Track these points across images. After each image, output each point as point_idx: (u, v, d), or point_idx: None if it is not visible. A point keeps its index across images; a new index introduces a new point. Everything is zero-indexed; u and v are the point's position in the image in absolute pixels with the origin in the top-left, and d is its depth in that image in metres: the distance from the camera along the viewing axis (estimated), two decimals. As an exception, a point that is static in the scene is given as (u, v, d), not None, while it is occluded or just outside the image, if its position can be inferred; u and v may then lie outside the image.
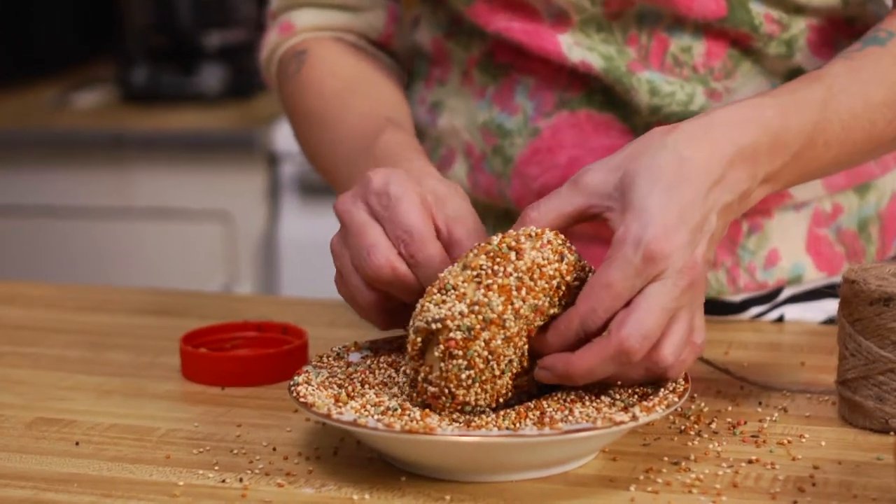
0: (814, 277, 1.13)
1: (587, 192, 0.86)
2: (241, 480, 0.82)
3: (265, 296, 2.36)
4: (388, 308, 0.91)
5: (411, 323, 0.84)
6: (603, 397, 0.85)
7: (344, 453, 0.86)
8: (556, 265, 0.84)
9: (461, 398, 0.83)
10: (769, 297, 1.13)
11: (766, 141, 0.88)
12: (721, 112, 0.89)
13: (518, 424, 0.82)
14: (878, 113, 0.96)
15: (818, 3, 1.06)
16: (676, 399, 0.83)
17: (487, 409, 0.84)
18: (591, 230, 0.95)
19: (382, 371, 0.90)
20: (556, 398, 0.85)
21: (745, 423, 0.90)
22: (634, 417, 0.79)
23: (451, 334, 0.81)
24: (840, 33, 1.08)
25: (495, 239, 0.84)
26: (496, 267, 0.82)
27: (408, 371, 0.85)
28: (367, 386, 0.88)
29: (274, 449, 0.87)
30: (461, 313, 0.81)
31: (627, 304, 0.82)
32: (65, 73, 2.99)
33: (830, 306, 1.14)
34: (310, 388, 0.86)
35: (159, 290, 1.33)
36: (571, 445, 0.80)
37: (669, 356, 0.83)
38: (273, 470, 0.84)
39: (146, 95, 2.70)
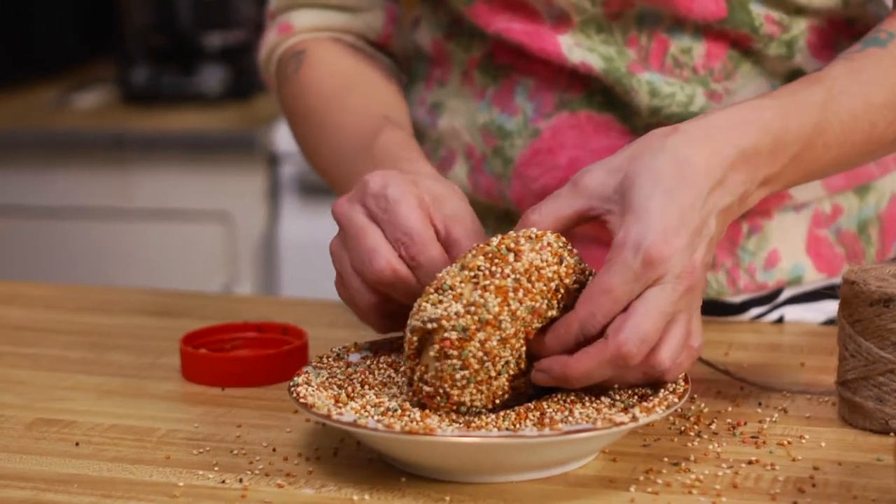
0: (814, 278, 1.13)
1: (587, 194, 0.86)
2: (240, 481, 0.82)
3: (265, 296, 2.36)
4: (387, 312, 0.91)
5: (408, 322, 0.84)
6: (603, 398, 0.85)
7: (344, 454, 0.86)
8: (555, 268, 0.83)
9: (456, 398, 0.83)
10: (769, 298, 1.13)
11: (767, 143, 0.88)
12: (721, 114, 0.89)
13: (518, 425, 0.82)
14: (879, 114, 0.96)
15: (818, 4, 1.06)
16: (676, 400, 0.83)
17: (486, 410, 0.84)
18: (591, 232, 0.95)
19: (382, 371, 0.90)
20: (556, 399, 0.85)
21: (745, 423, 0.90)
22: (634, 418, 0.79)
23: (447, 334, 0.81)
24: (840, 34, 1.08)
25: (495, 240, 0.84)
26: (494, 268, 0.82)
27: (405, 370, 0.86)
28: (366, 387, 0.88)
29: (274, 449, 0.87)
30: (457, 313, 0.81)
31: (626, 307, 0.82)
32: (65, 73, 2.99)
33: (830, 307, 1.14)
34: (310, 388, 0.86)
35: (159, 290, 1.33)
36: (571, 446, 0.80)
37: (667, 360, 0.83)
38: (273, 470, 0.84)
39: (146, 96, 2.70)
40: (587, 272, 0.85)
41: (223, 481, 0.82)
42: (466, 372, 0.82)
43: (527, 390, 0.86)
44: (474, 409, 0.84)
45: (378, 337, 0.95)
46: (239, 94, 2.71)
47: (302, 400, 0.83)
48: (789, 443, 0.87)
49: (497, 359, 0.83)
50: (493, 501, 0.79)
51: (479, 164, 1.12)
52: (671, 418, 0.91)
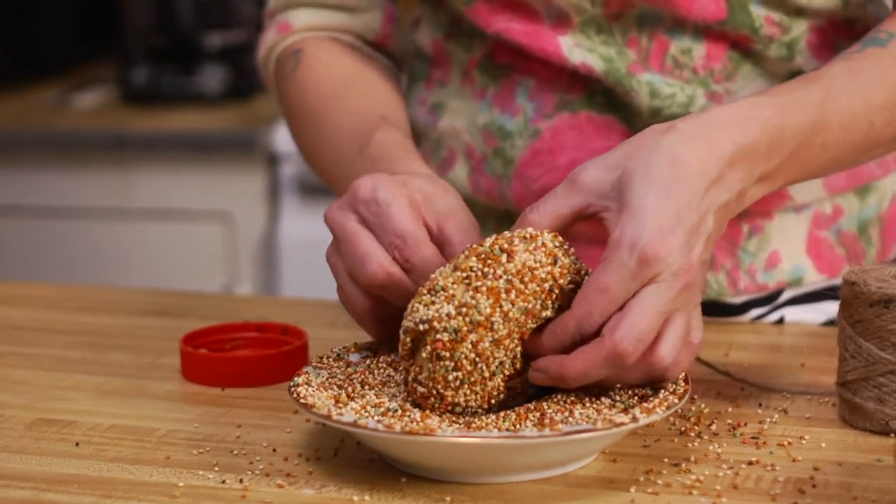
0: (814, 279, 1.13)
1: (584, 191, 0.86)
2: (241, 481, 0.82)
3: (265, 296, 2.36)
4: (383, 316, 0.91)
5: (402, 323, 0.84)
6: (603, 399, 0.85)
7: (344, 454, 0.86)
8: (549, 268, 0.83)
9: (450, 399, 0.83)
10: (769, 298, 1.13)
11: (765, 140, 0.88)
12: (719, 111, 0.89)
13: (518, 426, 0.82)
14: (877, 114, 0.95)
15: (819, 5, 1.06)
16: (677, 400, 0.83)
17: (482, 411, 0.84)
18: (589, 231, 0.95)
19: (382, 371, 0.90)
20: (556, 399, 0.85)
21: (746, 424, 0.90)
22: (634, 419, 0.79)
23: (438, 336, 0.81)
24: (840, 35, 1.08)
25: (489, 240, 0.84)
26: (486, 269, 0.82)
27: (401, 370, 0.86)
28: (366, 387, 0.88)
29: (274, 450, 0.87)
30: (448, 315, 0.81)
31: (623, 306, 0.82)
32: (65, 73, 2.99)
33: (831, 308, 1.14)
34: (310, 388, 0.86)
35: (159, 290, 1.33)
36: (571, 447, 0.80)
37: (666, 357, 0.83)
38: (273, 471, 0.84)
39: (146, 96, 2.70)
40: (583, 272, 0.85)
41: (223, 481, 0.82)
42: (459, 373, 0.82)
43: (524, 390, 0.86)
44: (469, 409, 0.84)
45: (378, 337, 0.95)
46: (239, 94, 2.71)
47: (302, 400, 0.83)
48: (789, 443, 0.87)
49: (490, 360, 0.82)
50: (493, 502, 0.79)
51: (480, 164, 1.12)
52: (671, 419, 0.91)
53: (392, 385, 0.89)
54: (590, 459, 0.84)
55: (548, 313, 0.84)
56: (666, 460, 0.84)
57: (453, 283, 0.82)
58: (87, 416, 0.94)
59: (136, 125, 2.58)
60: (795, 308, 1.14)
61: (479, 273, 0.82)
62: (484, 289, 0.82)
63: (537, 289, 0.83)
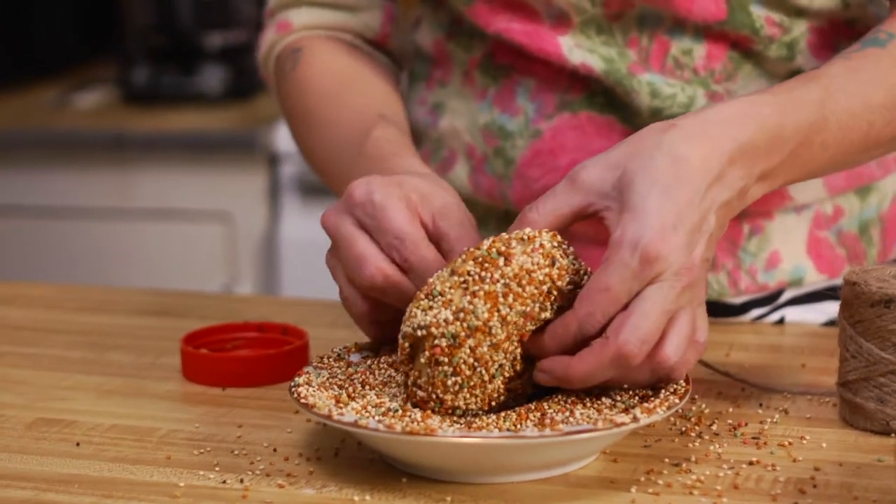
0: (815, 280, 1.13)
1: (585, 191, 0.85)
2: (241, 481, 0.82)
3: (266, 296, 2.36)
4: (381, 319, 0.91)
5: (401, 328, 0.84)
6: (604, 399, 0.85)
7: (345, 454, 0.86)
8: (547, 270, 0.83)
9: (449, 403, 0.83)
10: (770, 299, 1.13)
11: (764, 138, 0.88)
12: (718, 108, 0.89)
13: (519, 426, 0.82)
14: (877, 114, 0.95)
15: (819, 6, 1.06)
16: (677, 401, 0.83)
17: (485, 412, 0.84)
18: (590, 231, 0.95)
19: (383, 371, 0.90)
20: (557, 399, 0.85)
21: (746, 424, 0.90)
22: (635, 419, 0.79)
23: (436, 341, 0.81)
24: (841, 36, 1.08)
25: (486, 243, 0.84)
26: (483, 273, 0.82)
27: (401, 373, 0.86)
28: (367, 387, 0.88)
29: (275, 450, 0.87)
30: (446, 320, 0.81)
31: (626, 306, 0.82)
32: (65, 73, 2.99)
33: (831, 308, 1.14)
34: (310, 388, 0.86)
35: (160, 290, 1.33)
36: (572, 447, 0.80)
37: (672, 356, 0.82)
38: (274, 471, 0.84)
39: (147, 96, 2.70)
40: (582, 272, 0.85)
41: (224, 481, 0.82)
42: (458, 378, 0.82)
43: (524, 391, 0.86)
44: (470, 412, 0.84)
45: (378, 337, 0.95)
46: (239, 94, 2.71)
47: (303, 400, 0.83)
48: (790, 444, 0.87)
49: (489, 364, 0.82)
50: (493, 502, 0.79)
51: (481, 164, 1.12)
52: (672, 419, 0.91)
53: (393, 385, 0.89)
54: (590, 459, 0.84)
55: (546, 315, 0.84)
56: (667, 460, 0.84)
57: (451, 288, 0.82)
58: (87, 415, 0.94)
59: (136, 125, 2.58)
60: (796, 308, 1.14)
61: (477, 277, 0.82)
62: (481, 293, 0.81)
63: (535, 291, 0.83)
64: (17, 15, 2.90)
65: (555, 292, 0.83)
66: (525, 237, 0.84)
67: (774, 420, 0.91)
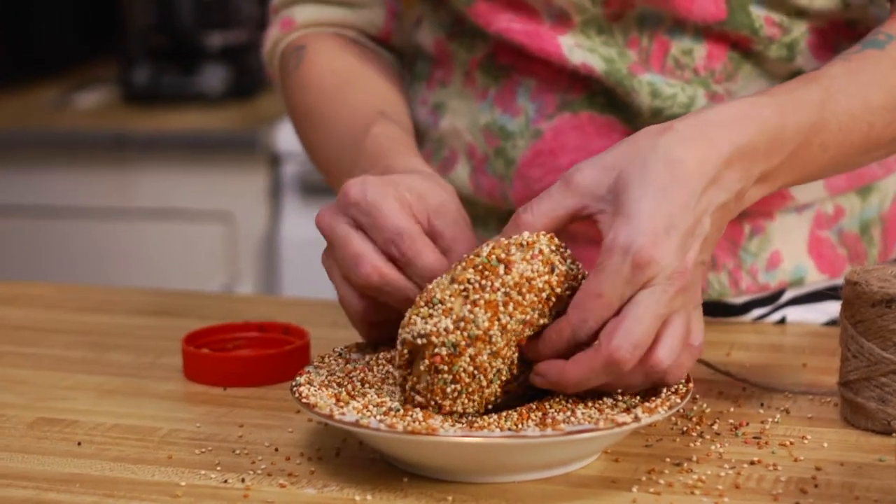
0: (816, 279, 1.13)
1: (580, 193, 0.85)
2: (243, 481, 0.82)
3: (266, 296, 2.36)
4: (375, 319, 0.91)
5: (399, 333, 0.84)
6: (605, 398, 0.85)
7: (346, 454, 0.86)
8: (546, 277, 0.83)
9: (448, 408, 0.83)
10: (771, 298, 1.13)
11: (763, 140, 0.88)
12: (717, 110, 0.88)
13: (520, 425, 0.82)
14: (877, 115, 0.95)
15: (819, 7, 1.06)
16: (679, 400, 0.83)
17: (481, 414, 0.84)
18: (590, 232, 0.95)
19: (381, 367, 0.90)
20: (558, 399, 0.85)
21: (748, 424, 0.90)
22: (637, 418, 0.79)
23: (437, 350, 0.81)
24: (841, 36, 1.08)
25: (485, 249, 0.83)
26: (483, 281, 0.82)
27: (397, 376, 0.85)
28: (366, 385, 0.88)
29: (276, 449, 0.87)
30: (446, 329, 0.81)
31: (619, 311, 0.81)
32: (65, 73, 2.99)
33: (832, 308, 1.14)
34: (312, 388, 0.85)
35: (160, 290, 1.33)
36: (573, 446, 0.80)
37: (665, 359, 0.82)
38: (275, 470, 0.84)
39: (147, 96, 2.70)
40: (580, 277, 0.84)
41: (225, 481, 0.82)
42: (457, 385, 0.82)
43: (521, 392, 0.86)
44: (467, 415, 0.84)
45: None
46: (240, 94, 2.71)
47: (304, 400, 0.83)
48: (791, 443, 0.87)
49: (488, 370, 0.82)
50: (495, 501, 0.79)
51: (482, 164, 1.12)
52: (673, 419, 0.91)
53: (391, 381, 0.89)
54: (592, 459, 0.84)
55: (545, 321, 0.83)
56: (668, 460, 0.84)
57: (451, 296, 0.82)
58: (88, 415, 0.94)
59: (136, 125, 2.58)
60: (797, 308, 1.14)
61: (477, 286, 0.82)
62: (482, 302, 0.81)
63: (535, 299, 0.82)
64: (17, 15, 2.90)
65: (553, 299, 0.83)
66: (524, 242, 0.84)
67: (776, 420, 0.91)
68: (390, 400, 0.85)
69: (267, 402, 0.96)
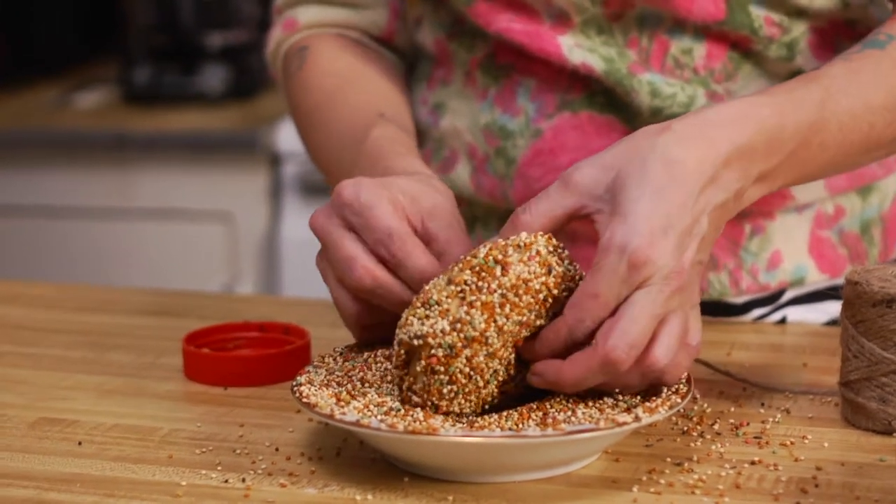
0: (816, 279, 1.13)
1: (578, 192, 0.85)
2: (243, 481, 0.82)
3: (267, 296, 2.36)
4: (369, 322, 0.91)
5: (396, 334, 0.84)
6: (606, 398, 0.85)
7: (347, 454, 0.86)
8: (543, 279, 0.83)
9: (444, 409, 0.83)
10: (771, 298, 1.13)
11: (762, 139, 0.88)
12: (716, 110, 0.88)
13: (521, 425, 0.82)
14: (878, 115, 0.95)
15: (818, 6, 1.06)
16: (679, 400, 0.83)
17: (487, 411, 0.84)
18: (589, 231, 0.95)
19: (379, 365, 0.90)
20: (559, 399, 0.85)
21: (748, 424, 0.90)
22: (637, 418, 0.79)
23: (433, 351, 0.81)
24: (841, 36, 1.08)
25: (483, 250, 0.83)
26: (480, 283, 0.82)
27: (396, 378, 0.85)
28: (366, 384, 0.88)
29: (277, 449, 0.87)
30: (443, 331, 0.81)
31: (615, 311, 0.81)
32: (66, 73, 2.99)
33: (833, 308, 1.14)
34: (312, 388, 0.85)
35: (160, 290, 1.32)
36: (574, 446, 0.80)
37: (662, 359, 0.82)
38: (276, 470, 0.84)
39: (148, 95, 2.70)
40: (577, 278, 0.84)
41: (226, 481, 0.82)
42: (454, 386, 0.82)
43: (519, 392, 0.86)
44: (467, 415, 0.84)
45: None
46: (241, 94, 2.71)
47: (305, 400, 0.83)
48: (792, 443, 0.87)
49: (485, 371, 0.82)
50: (495, 501, 0.79)
51: (482, 164, 1.12)
52: (674, 419, 0.91)
53: (390, 379, 0.88)
54: (592, 459, 0.84)
55: (542, 321, 0.83)
56: (668, 460, 0.84)
57: (447, 298, 0.82)
58: (89, 415, 0.94)
59: (137, 125, 2.58)
60: (797, 308, 1.14)
61: (474, 287, 0.82)
62: (478, 304, 0.81)
63: (532, 300, 0.82)
64: (18, 15, 2.91)
65: (550, 300, 0.83)
66: (521, 244, 0.83)
67: (776, 420, 0.91)
68: (391, 399, 0.85)
69: (267, 402, 0.96)
